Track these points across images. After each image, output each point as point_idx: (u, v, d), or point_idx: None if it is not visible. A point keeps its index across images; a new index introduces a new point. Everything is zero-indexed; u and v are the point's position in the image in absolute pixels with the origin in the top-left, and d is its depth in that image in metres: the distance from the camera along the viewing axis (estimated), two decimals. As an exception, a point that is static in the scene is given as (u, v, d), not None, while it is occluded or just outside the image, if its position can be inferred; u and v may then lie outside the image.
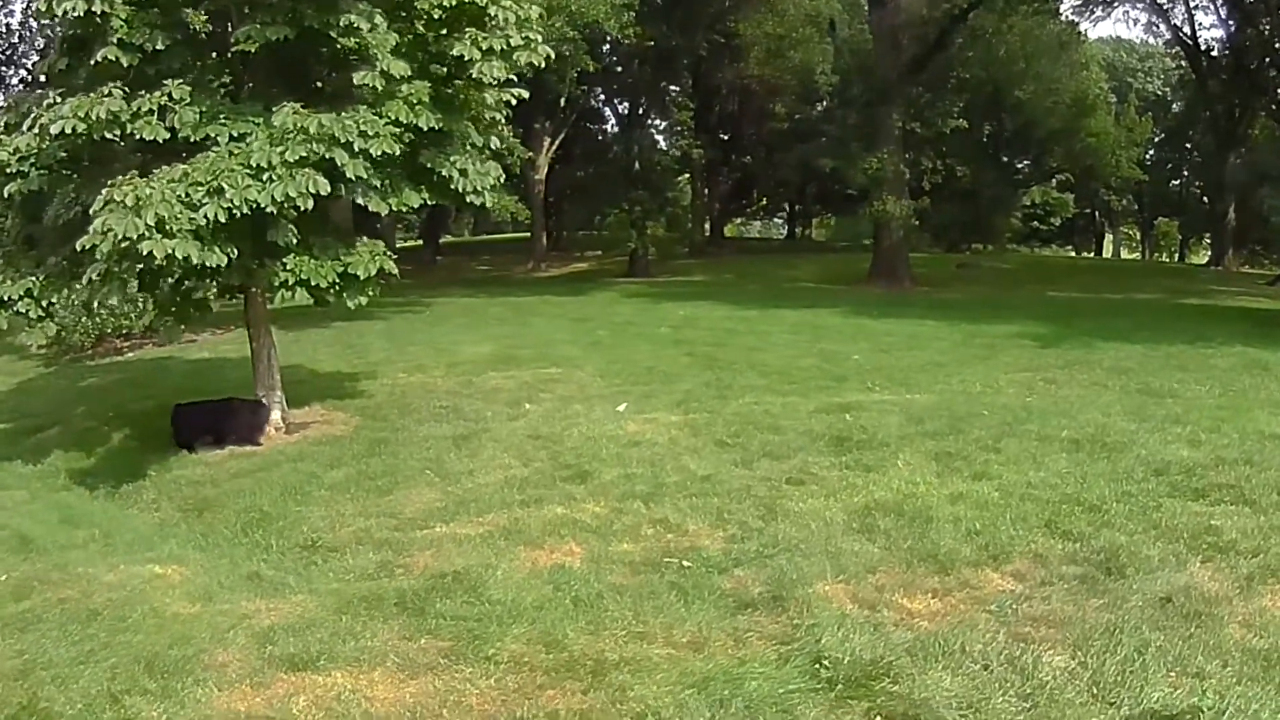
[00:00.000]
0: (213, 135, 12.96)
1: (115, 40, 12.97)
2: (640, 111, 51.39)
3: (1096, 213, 75.90)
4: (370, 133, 12.89)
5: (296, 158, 12.34)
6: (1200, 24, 44.36)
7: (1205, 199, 60.31)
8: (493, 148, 15.71)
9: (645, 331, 23.61)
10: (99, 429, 17.24)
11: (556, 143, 52.47)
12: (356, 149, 12.75)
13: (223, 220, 12.19)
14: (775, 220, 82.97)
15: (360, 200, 13.84)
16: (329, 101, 13.71)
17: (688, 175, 57.60)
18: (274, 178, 12.34)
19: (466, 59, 13.70)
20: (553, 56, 14.73)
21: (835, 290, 34.66)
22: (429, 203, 14.93)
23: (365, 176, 13.08)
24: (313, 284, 13.76)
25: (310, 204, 12.61)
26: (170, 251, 11.95)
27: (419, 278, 50.94)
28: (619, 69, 51.21)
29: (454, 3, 13.59)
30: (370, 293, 14.47)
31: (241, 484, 13.13)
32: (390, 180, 14.09)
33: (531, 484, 11.55)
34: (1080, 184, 66.51)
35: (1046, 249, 76.56)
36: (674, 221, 48.29)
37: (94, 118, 12.45)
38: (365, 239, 14.80)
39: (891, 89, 36.63)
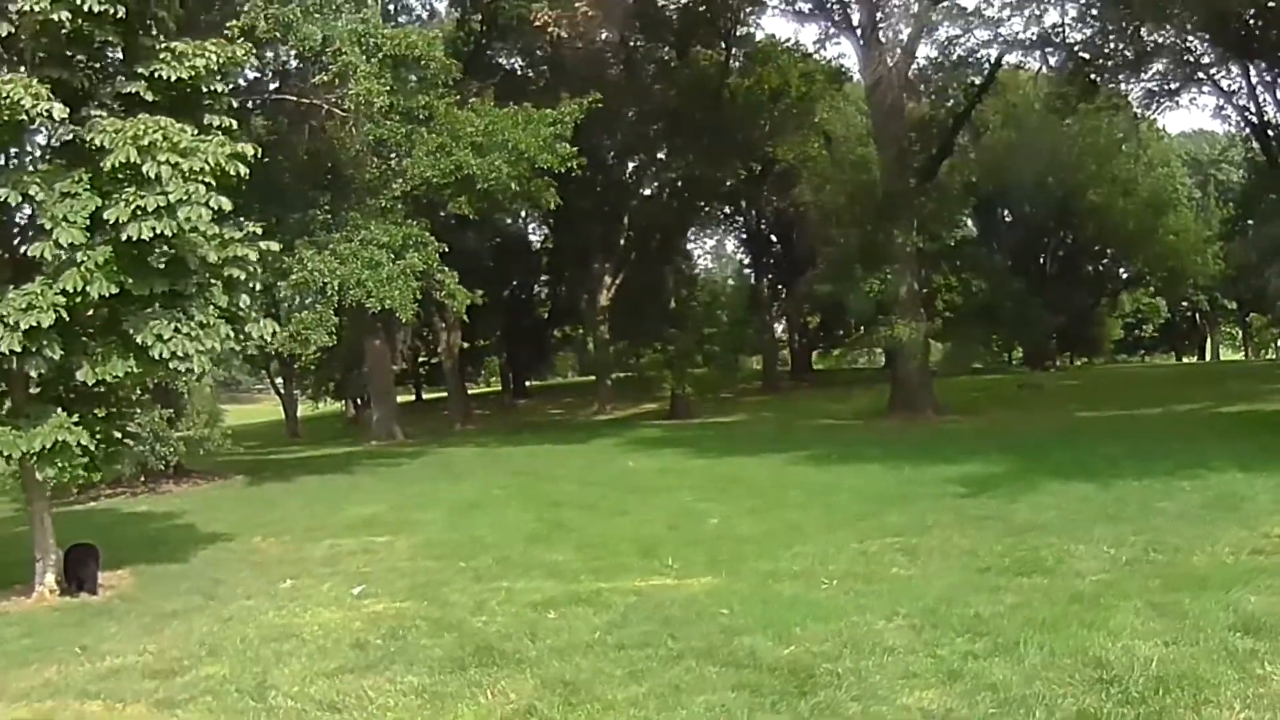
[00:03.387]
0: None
1: None
2: (669, 248, 49.60)
3: (1197, 314, 71.14)
4: (23, 306, 12.44)
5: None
6: (1265, 100, 40.48)
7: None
8: (240, 307, 14.22)
9: (543, 489, 22.52)
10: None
11: (617, 281, 51.31)
12: (12, 322, 12.37)
13: None
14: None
15: (33, 373, 13.29)
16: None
17: (753, 307, 55.99)
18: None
19: (112, 222, 12.54)
20: (226, 206, 12.99)
21: (840, 427, 32.45)
22: (135, 370, 13.36)
23: (19, 350, 12.54)
24: (5, 455, 13.23)
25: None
26: None
27: (486, 421, 51.04)
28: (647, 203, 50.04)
29: (116, 164, 12.59)
30: (60, 464, 13.52)
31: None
32: (105, 349, 13.39)
33: (117, 676, 10.14)
34: (1169, 286, 62.43)
35: (1151, 356, 72.40)
36: (713, 359, 45.62)
37: None
38: (59, 411, 13.65)
39: (898, 202, 33.95)
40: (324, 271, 25.29)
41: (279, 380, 62.43)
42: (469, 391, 64.83)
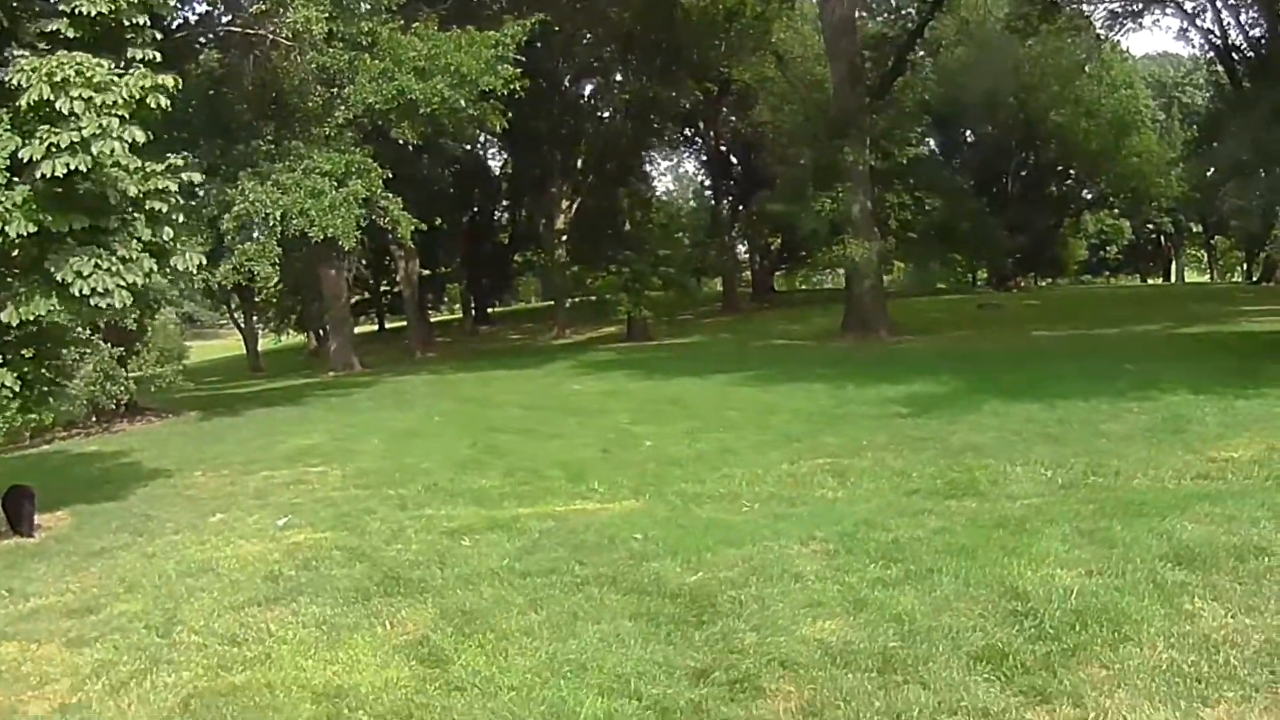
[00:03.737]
0: None
1: None
2: (625, 170, 49.16)
3: (1162, 236, 71.18)
4: None
5: None
6: (1229, 24, 39.99)
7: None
8: (164, 240, 14.05)
9: (485, 415, 22.62)
10: None
11: (574, 205, 50.95)
12: None
13: None
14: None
15: None
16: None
17: (713, 229, 55.77)
18: None
19: (27, 160, 12.42)
20: (140, 138, 12.79)
21: (793, 348, 32.59)
22: (57, 309, 13.25)
23: None
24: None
25: None
26: None
27: (446, 349, 50.99)
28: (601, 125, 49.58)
29: (31, 102, 12.43)
30: None
31: None
32: (28, 288, 13.29)
33: (36, 616, 10.28)
34: (1132, 207, 62.31)
35: (1117, 278, 72.60)
36: (670, 281, 45.54)
37: None
38: None
39: (851, 121, 33.63)
40: (266, 202, 24.97)
41: (239, 315, 61.95)
42: (432, 319, 64.62)
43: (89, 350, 24.15)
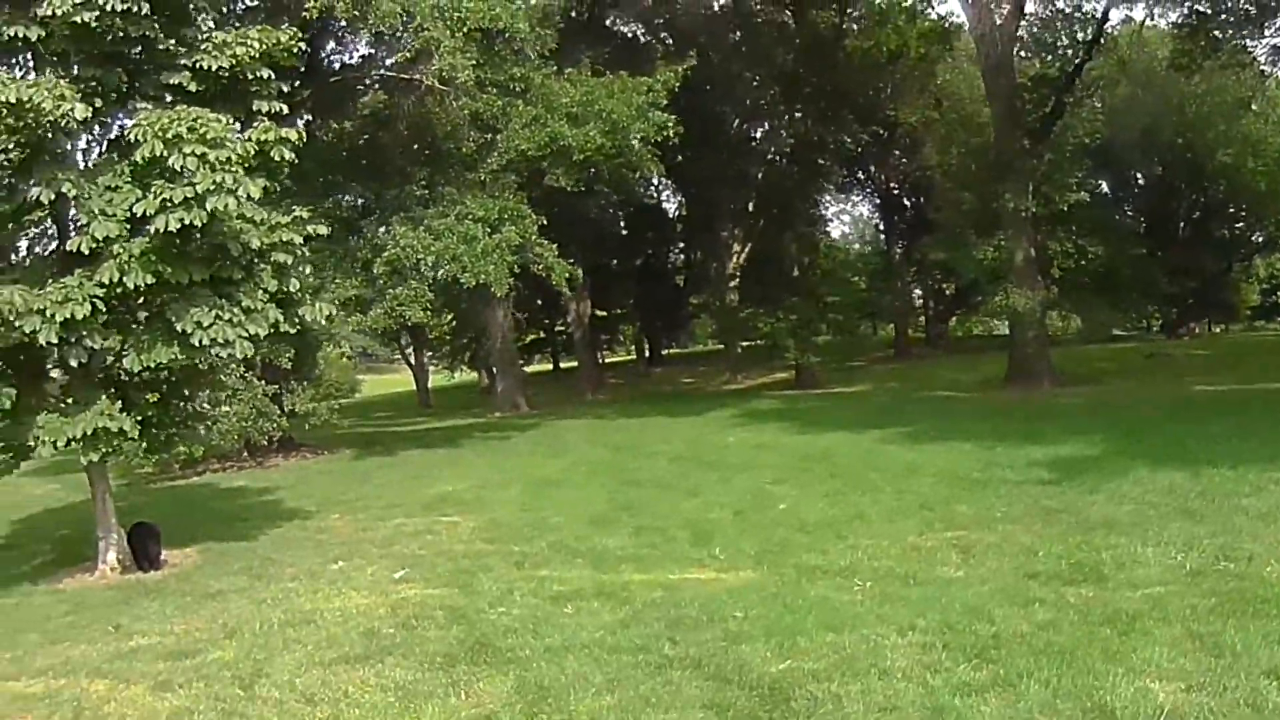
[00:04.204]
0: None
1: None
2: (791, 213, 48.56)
3: (1340, 281, 67.49)
4: (60, 299, 12.69)
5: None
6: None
7: None
8: (289, 290, 14.33)
9: (631, 466, 22.41)
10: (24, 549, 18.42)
11: (745, 250, 50.75)
12: (49, 315, 12.59)
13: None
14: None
15: (74, 362, 13.59)
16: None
17: (886, 273, 54.87)
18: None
19: (140, 214, 12.87)
20: (255, 193, 12.94)
21: (954, 400, 31.53)
22: (179, 358, 13.60)
23: (55, 342, 12.83)
24: (53, 442, 13.65)
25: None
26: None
27: (617, 390, 51.15)
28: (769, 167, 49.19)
29: (145, 158, 12.84)
30: (103, 449, 13.95)
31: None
32: (150, 336, 13.73)
33: (134, 656, 10.56)
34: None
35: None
36: (839, 328, 44.91)
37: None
38: (104, 397, 14.13)
39: (1010, 163, 32.58)
40: (417, 248, 25.34)
41: (409, 351, 63.28)
42: (607, 360, 64.89)
43: (235, 390, 24.84)
